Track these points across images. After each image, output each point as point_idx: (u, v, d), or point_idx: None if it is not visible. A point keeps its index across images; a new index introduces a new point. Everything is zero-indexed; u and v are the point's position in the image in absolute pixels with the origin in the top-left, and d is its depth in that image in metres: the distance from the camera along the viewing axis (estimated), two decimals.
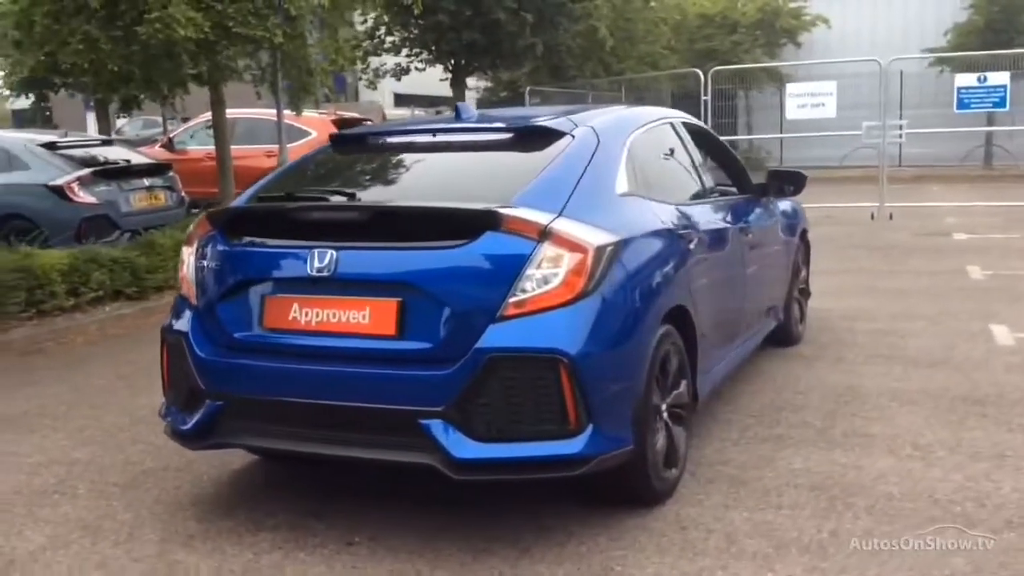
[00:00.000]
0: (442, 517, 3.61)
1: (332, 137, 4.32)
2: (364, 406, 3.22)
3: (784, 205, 5.85)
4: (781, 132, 20.70)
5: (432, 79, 21.25)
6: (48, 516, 3.81)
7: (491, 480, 3.32)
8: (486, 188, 3.56)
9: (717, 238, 4.44)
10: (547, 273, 3.18)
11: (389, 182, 3.80)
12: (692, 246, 4.01)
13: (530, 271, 3.17)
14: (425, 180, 3.78)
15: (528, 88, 19.23)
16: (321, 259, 3.29)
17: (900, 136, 14.10)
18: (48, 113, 36.28)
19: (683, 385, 3.88)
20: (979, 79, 14.25)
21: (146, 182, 10.25)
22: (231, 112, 11.96)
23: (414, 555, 3.31)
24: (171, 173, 10.66)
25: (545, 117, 3.96)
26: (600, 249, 3.27)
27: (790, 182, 5.50)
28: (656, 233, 3.73)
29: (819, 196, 15.72)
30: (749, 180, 5.49)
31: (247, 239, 3.55)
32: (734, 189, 5.53)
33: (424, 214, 3.39)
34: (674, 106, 14.64)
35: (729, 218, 4.69)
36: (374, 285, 3.30)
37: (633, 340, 3.39)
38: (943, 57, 19.49)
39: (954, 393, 5.01)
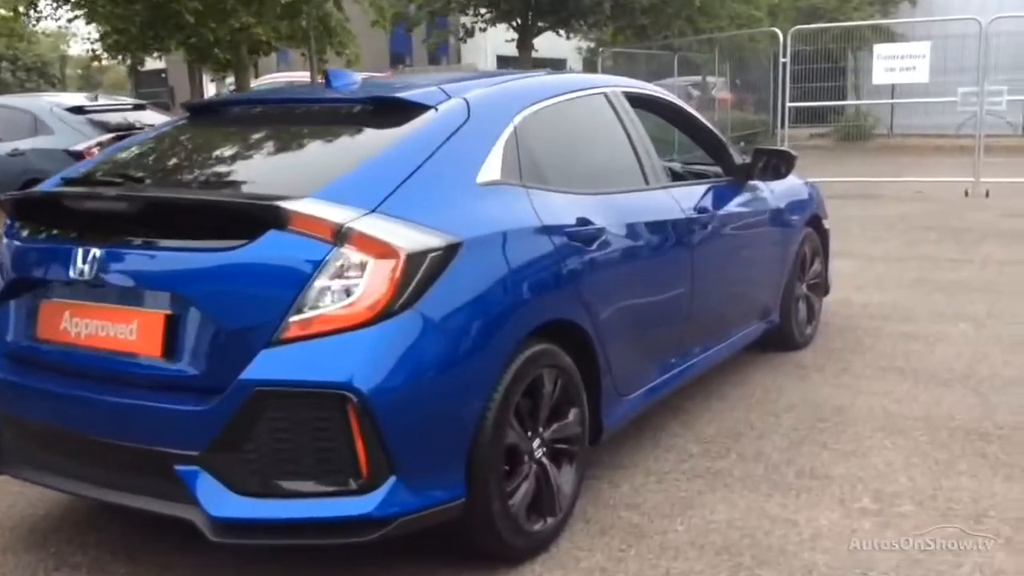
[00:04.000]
0: (274, 570, 3.06)
1: (186, 106, 3.77)
2: (123, 444, 2.67)
3: (784, 188, 5.00)
4: (892, 98, 19.16)
5: (541, 42, 20.28)
6: None
7: (258, 545, 2.74)
8: (302, 175, 2.95)
9: (647, 234, 3.70)
10: (344, 285, 2.56)
11: (204, 164, 3.20)
12: (594, 246, 3.30)
13: (320, 282, 2.55)
14: (243, 163, 3.17)
15: (602, 50, 18.23)
16: (84, 259, 2.75)
17: (1001, 103, 12.65)
18: (164, 76, 37.17)
19: (572, 415, 3.22)
20: None
21: None
22: (271, 76, 11.60)
23: None
24: None
25: (417, 86, 3.31)
26: (417, 255, 2.62)
27: (779, 162, 4.66)
28: (528, 232, 3.04)
29: (915, 169, 14.52)
30: (732, 161, 4.70)
31: (30, 231, 3.05)
32: (717, 171, 4.77)
33: (199, 207, 2.79)
34: (777, 69, 13.68)
35: (677, 208, 3.93)
36: (141, 294, 2.73)
37: (468, 367, 2.73)
38: None
39: (959, 422, 4.15)
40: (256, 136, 3.34)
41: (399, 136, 2.99)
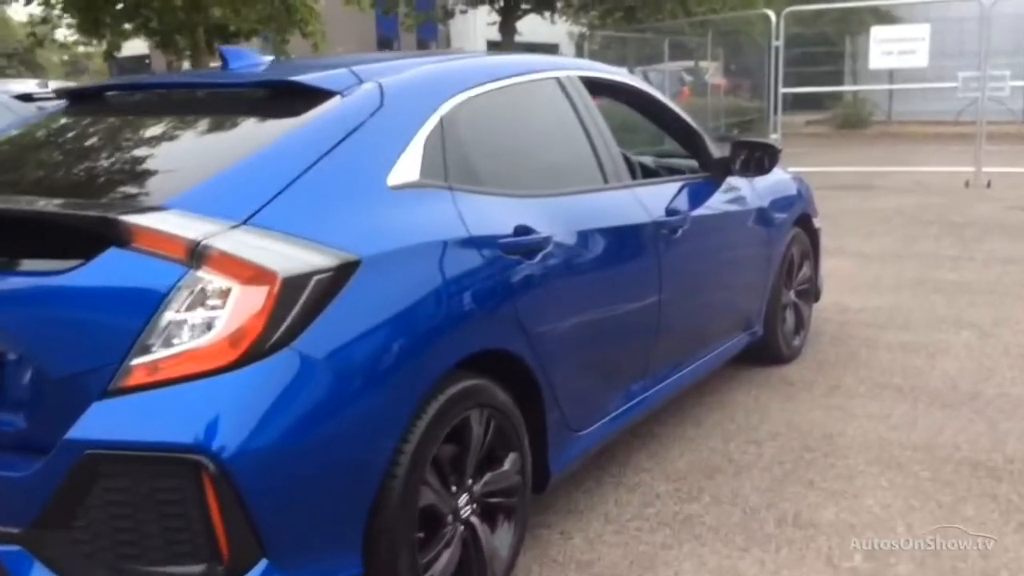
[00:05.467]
0: None
1: (60, 92, 3.23)
2: None
3: (768, 184, 4.48)
4: (891, 83, 18.58)
5: (531, 26, 19.60)
6: None
7: None
8: (168, 177, 2.43)
9: (604, 241, 3.18)
10: (201, 318, 2.03)
11: (57, 165, 2.65)
12: (537, 259, 2.78)
13: (171, 314, 2.02)
14: (104, 163, 2.62)
15: (586, 34, 17.60)
16: None
17: (1003, 89, 12.11)
18: (148, 61, 36.43)
19: (509, 462, 2.70)
20: None
21: None
22: None
23: None
24: None
25: (325, 69, 2.77)
26: (298, 279, 2.09)
27: (761, 155, 4.13)
28: (451, 244, 2.52)
29: (914, 157, 14.01)
30: (709, 155, 4.17)
31: None
32: (694, 165, 4.24)
33: (23, 220, 2.26)
34: (771, 54, 13.12)
35: (641, 210, 3.40)
36: None
37: (366, 415, 2.21)
38: None
39: (964, 454, 3.64)
40: (126, 129, 2.80)
41: (290, 128, 2.46)
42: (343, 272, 2.18)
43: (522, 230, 2.77)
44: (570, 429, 3.03)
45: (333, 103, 2.55)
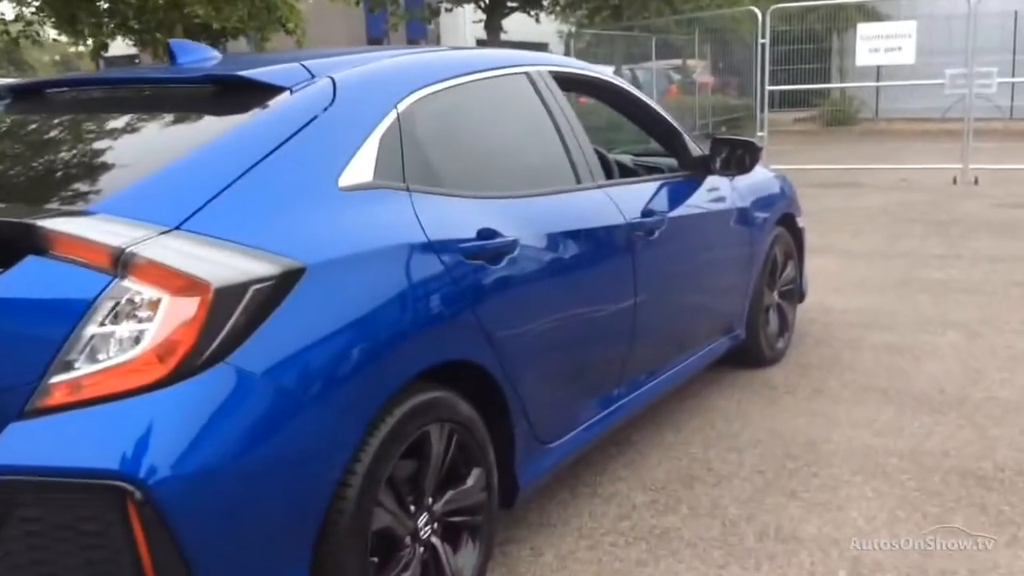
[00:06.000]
0: None
1: (8, 89, 3.06)
2: None
3: (750, 183, 4.34)
4: (877, 80, 18.47)
5: (521, 25, 19.37)
6: None
7: None
8: (102, 179, 2.28)
9: (575, 244, 3.04)
10: (127, 332, 1.87)
11: None
12: (502, 263, 2.63)
13: (93, 328, 1.86)
14: (37, 163, 2.46)
15: (571, 32, 17.45)
16: None
17: (991, 86, 12.00)
18: (137, 60, 36.17)
19: (473, 478, 2.56)
20: None
21: None
22: None
23: None
24: None
25: (276, 63, 2.61)
26: (234, 289, 1.93)
27: (743, 153, 3.99)
28: (408, 249, 2.37)
29: (901, 155, 13.89)
30: (688, 153, 4.03)
31: None
32: (673, 163, 4.11)
33: None
34: (758, 51, 13.00)
35: (615, 211, 3.26)
36: None
37: (313, 434, 2.06)
38: None
39: (953, 462, 3.51)
40: (63, 128, 2.64)
41: (233, 126, 2.31)
42: (286, 281, 2.03)
43: (486, 233, 2.62)
44: (540, 441, 2.88)
45: (281, 99, 2.40)
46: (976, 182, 11.27)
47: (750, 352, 4.53)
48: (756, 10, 12.99)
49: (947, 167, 11.79)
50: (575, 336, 3.01)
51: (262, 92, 2.41)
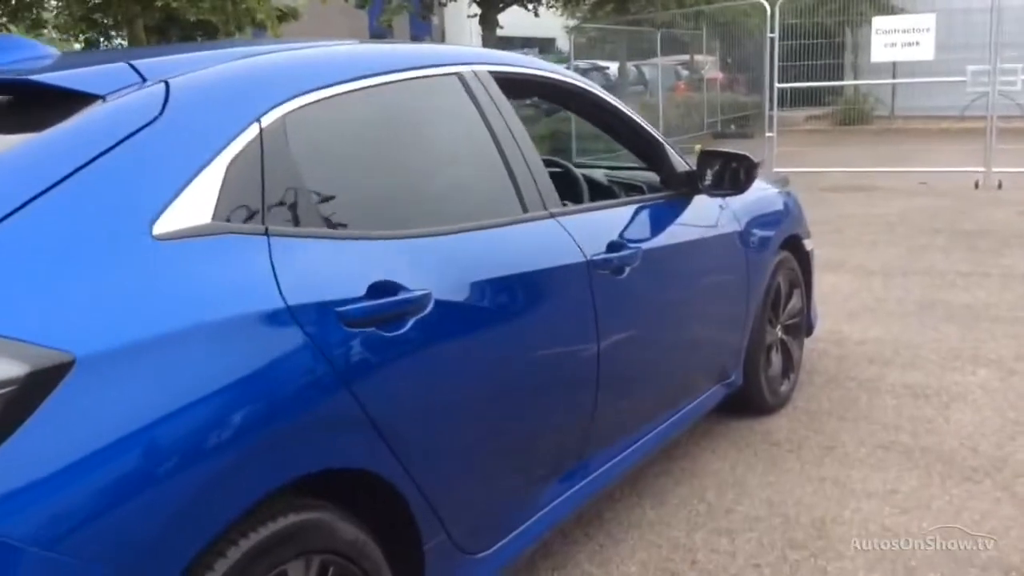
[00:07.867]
0: None
1: None
2: None
3: (748, 201, 3.66)
4: (893, 77, 17.70)
5: (528, 20, 18.60)
6: None
7: None
8: None
9: (514, 292, 2.37)
10: None
11: None
12: (404, 328, 1.97)
13: None
14: None
15: (570, 27, 16.72)
16: None
17: (1015, 83, 11.25)
18: None
19: None
20: None
21: None
22: None
23: None
24: None
25: (102, 63, 1.95)
26: None
27: (737, 168, 3.32)
28: (254, 320, 1.71)
29: (919, 156, 13.11)
30: (672, 169, 3.36)
31: None
32: (652, 181, 3.44)
33: None
34: (767, 46, 12.33)
35: (572, 246, 2.59)
36: None
37: None
38: None
39: (991, 553, 2.84)
40: None
41: (1, 152, 1.65)
42: (43, 379, 1.38)
43: (382, 288, 1.96)
44: (463, 552, 2.23)
45: (88, 111, 1.74)
46: (1000, 186, 10.55)
47: (749, 399, 3.87)
48: (764, 2, 12.27)
49: (968, 170, 11.06)
50: (515, 413, 2.35)
51: (65, 102, 1.76)
